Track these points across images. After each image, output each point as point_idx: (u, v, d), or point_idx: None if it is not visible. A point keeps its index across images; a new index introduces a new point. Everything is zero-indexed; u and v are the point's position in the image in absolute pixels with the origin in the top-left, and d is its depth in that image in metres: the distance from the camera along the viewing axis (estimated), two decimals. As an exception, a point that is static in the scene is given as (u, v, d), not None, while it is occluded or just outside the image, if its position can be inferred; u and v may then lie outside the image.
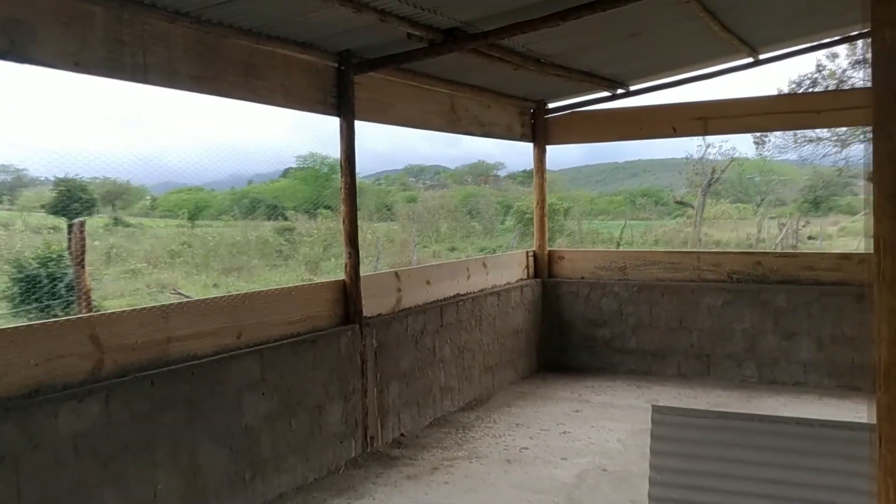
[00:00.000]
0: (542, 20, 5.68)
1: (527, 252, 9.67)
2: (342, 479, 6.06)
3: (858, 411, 7.49)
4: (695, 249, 12.25)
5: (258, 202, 28.97)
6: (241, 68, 5.45)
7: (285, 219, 27.37)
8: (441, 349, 7.65)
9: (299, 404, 5.88)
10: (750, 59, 8.54)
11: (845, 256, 8.57)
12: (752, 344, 8.69)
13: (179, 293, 15.68)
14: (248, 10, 5.00)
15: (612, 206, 49.60)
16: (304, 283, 6.45)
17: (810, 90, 25.94)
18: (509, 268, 9.23)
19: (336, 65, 6.26)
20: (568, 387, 8.75)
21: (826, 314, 8.34)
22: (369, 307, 6.68)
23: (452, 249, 27.95)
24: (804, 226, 33.45)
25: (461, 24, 5.95)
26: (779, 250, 10.60)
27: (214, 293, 17.10)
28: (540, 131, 9.57)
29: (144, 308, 4.98)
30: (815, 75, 28.18)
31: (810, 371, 8.43)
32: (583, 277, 9.55)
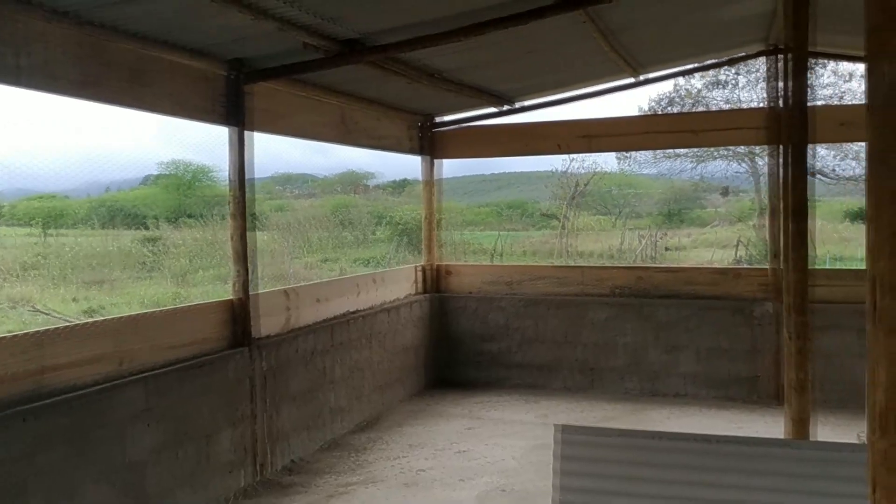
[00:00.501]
0: (446, 35, 5.58)
1: (416, 267, 9.54)
2: (233, 511, 5.71)
3: (737, 422, 7.78)
4: (579, 264, 12.52)
5: (117, 210, 27.45)
6: (127, 74, 5.05)
7: (146, 228, 26.07)
8: (332, 369, 7.39)
9: (186, 434, 5.49)
10: (631, 80, 8.77)
11: (722, 272, 8.93)
12: (634, 357, 8.89)
13: (37, 310, 14.58)
14: (137, 13, 4.63)
15: (481, 217, 50.30)
16: (190, 304, 6.05)
17: (667, 109, 27.25)
18: (399, 283, 9.07)
19: (227, 73, 5.93)
20: (458, 403, 8.67)
21: (704, 327, 8.64)
22: (258, 327, 6.35)
23: (325, 260, 27.47)
24: (662, 237, 35.02)
25: (361, 35, 5.76)
26: (661, 265, 11.03)
27: (75, 307, 15.98)
28: (429, 145, 9.48)
29: (15, 335, 4.50)
30: (673, 95, 29.63)
31: (690, 383, 8.71)
32: (471, 292, 9.51)
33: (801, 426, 4.96)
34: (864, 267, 1.80)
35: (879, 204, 1.67)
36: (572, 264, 12.73)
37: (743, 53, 8.83)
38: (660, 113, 23.42)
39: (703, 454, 5.23)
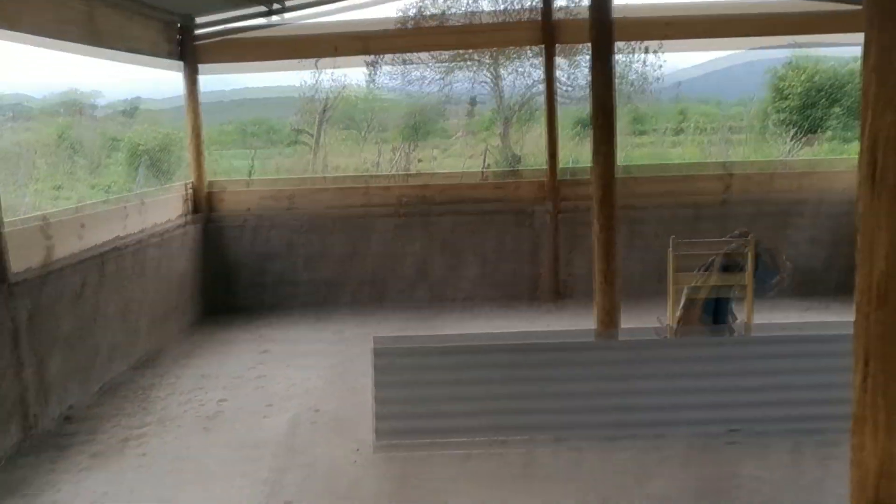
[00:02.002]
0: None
1: (185, 185, 8.71)
2: (8, 473, 4.93)
3: (523, 318, 8.02)
4: (362, 175, 12.17)
5: None
6: None
7: None
8: (105, 305, 6.58)
9: (-59, 393, 4.61)
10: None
11: (507, 176, 9.04)
12: (422, 268, 8.85)
13: None
14: None
15: (224, 136, 47.94)
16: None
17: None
18: (168, 205, 8.23)
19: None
20: (246, 329, 8.16)
21: (488, 233, 8.76)
22: (16, 262, 5.44)
23: (58, 188, 24.81)
24: (413, 150, 35.57)
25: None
26: (440, 173, 10.99)
27: None
28: (189, 53, 8.55)
29: None
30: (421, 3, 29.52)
31: (477, 287, 8.84)
32: (249, 209, 8.88)
33: (611, 316, 5.13)
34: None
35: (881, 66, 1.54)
36: (353, 175, 12.36)
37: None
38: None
39: (521, 357, 5.30)
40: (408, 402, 5.19)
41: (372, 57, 18.08)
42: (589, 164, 5.53)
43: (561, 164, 8.87)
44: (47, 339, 5.71)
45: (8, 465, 5.05)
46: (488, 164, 29.39)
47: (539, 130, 8.43)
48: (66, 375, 5.93)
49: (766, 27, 8.26)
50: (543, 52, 8.64)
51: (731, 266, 5.67)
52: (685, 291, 5.63)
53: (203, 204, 8.84)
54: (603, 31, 4.89)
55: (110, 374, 6.63)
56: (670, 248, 5.82)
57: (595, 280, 5.22)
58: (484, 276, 8.81)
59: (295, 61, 9.32)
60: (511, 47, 18.31)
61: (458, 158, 33.25)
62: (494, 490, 4.44)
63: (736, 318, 5.78)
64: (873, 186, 1.71)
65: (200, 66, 8.73)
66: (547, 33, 8.48)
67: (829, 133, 22.56)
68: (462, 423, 5.13)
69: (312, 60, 9.56)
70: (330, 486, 4.58)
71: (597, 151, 5.11)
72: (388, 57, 21.04)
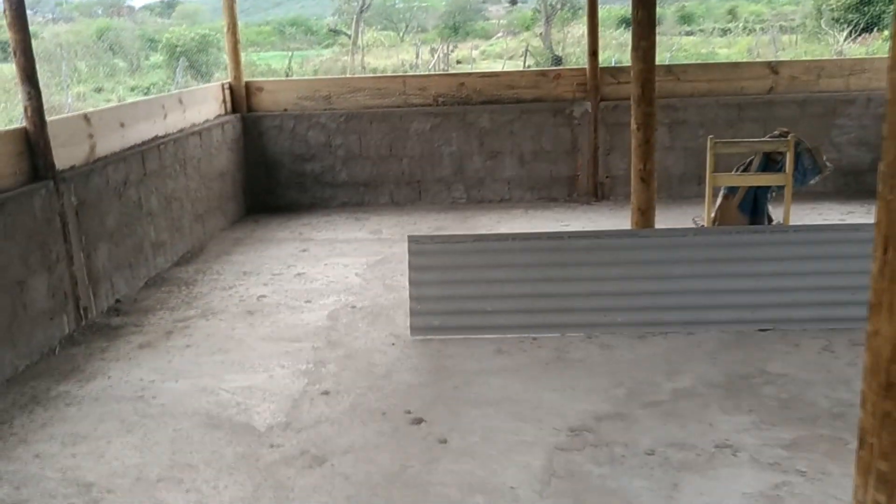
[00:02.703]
0: None
1: (222, 84, 8.74)
2: (62, 360, 5.18)
3: (562, 219, 8.04)
4: (399, 74, 12.05)
5: None
6: None
7: None
8: (148, 200, 6.74)
9: (-5, 283, 4.82)
10: None
11: (542, 74, 8.91)
12: (459, 166, 8.85)
13: None
14: None
15: (262, 36, 47.41)
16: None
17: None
18: (206, 103, 8.29)
19: None
20: (285, 227, 8.31)
21: (526, 131, 8.69)
22: (60, 159, 5.57)
23: (99, 90, 24.98)
24: (452, 50, 34.94)
25: None
26: (478, 71, 10.87)
27: None
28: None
29: None
30: None
31: (514, 187, 8.84)
32: (286, 110, 8.90)
33: (646, 216, 5.13)
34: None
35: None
36: (380, 76, 12.24)
37: None
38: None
39: (552, 250, 5.34)
40: (442, 297, 5.30)
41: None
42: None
43: (602, 63, 8.69)
44: (94, 233, 5.89)
45: (62, 352, 5.30)
46: (529, 66, 28.87)
47: (581, 30, 8.24)
48: (112, 269, 6.14)
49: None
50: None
51: (770, 166, 5.59)
52: (722, 190, 5.58)
53: (242, 103, 8.87)
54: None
55: (155, 269, 6.84)
56: (708, 148, 5.74)
57: (633, 179, 5.19)
58: (521, 175, 8.79)
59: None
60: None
61: (497, 60, 32.67)
62: (524, 380, 4.57)
63: (773, 220, 5.73)
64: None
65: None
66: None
67: (885, 32, 21.62)
68: (495, 320, 5.24)
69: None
70: (366, 376, 4.74)
71: (636, 47, 5.00)
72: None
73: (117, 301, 6.17)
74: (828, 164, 5.96)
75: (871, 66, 8.54)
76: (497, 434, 3.99)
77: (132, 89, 25.15)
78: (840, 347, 4.82)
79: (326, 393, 4.54)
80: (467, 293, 5.29)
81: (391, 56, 34.57)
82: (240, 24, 8.88)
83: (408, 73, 12.14)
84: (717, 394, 4.34)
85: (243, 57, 8.89)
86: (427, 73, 13.03)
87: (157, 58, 31.48)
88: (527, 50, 31.21)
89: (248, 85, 8.93)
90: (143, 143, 6.85)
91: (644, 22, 4.76)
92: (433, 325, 5.28)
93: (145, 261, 6.68)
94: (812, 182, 5.72)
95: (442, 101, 8.79)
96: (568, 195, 8.77)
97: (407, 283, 5.35)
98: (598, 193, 8.68)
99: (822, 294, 5.02)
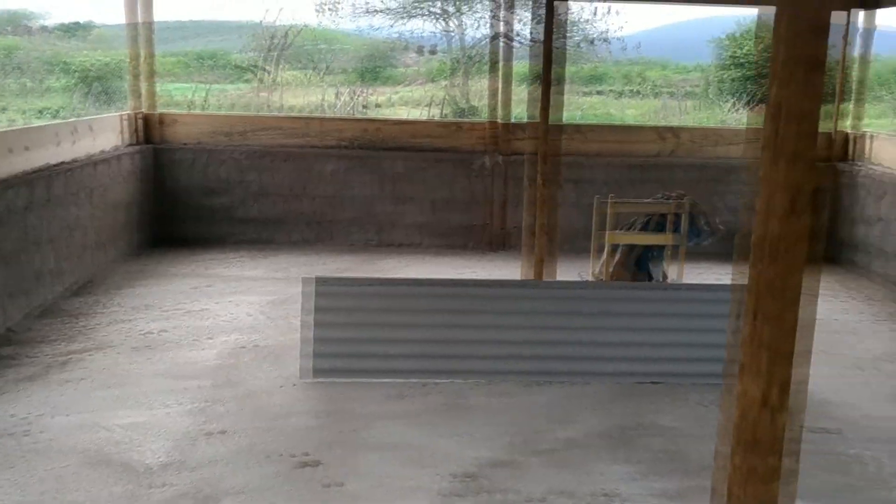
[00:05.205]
0: None
1: (135, 114, 8.61)
2: (-57, 391, 4.96)
3: (464, 266, 8.18)
4: (316, 115, 12.12)
5: None
6: None
7: None
8: (37, 229, 6.49)
9: None
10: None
11: (457, 125, 9.13)
12: (364, 210, 8.93)
13: None
14: None
15: (167, 67, 46.66)
16: None
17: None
18: (116, 131, 8.15)
19: None
20: (191, 261, 8.19)
21: (437, 179, 8.87)
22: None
23: (3, 110, 24.06)
24: (361, 95, 35.19)
25: None
26: (394, 118, 11.18)
27: None
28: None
29: None
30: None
31: (424, 233, 8.97)
32: (199, 142, 8.83)
33: (547, 268, 5.31)
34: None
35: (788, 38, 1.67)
36: (297, 115, 12.31)
37: None
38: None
39: (455, 297, 5.46)
40: (345, 339, 5.32)
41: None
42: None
43: (516, 117, 8.99)
44: (-13, 259, 5.69)
45: (-58, 381, 5.07)
46: (446, 114, 29.33)
47: (494, 84, 8.59)
48: (6, 297, 5.92)
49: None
50: (503, 3, 8.70)
51: (663, 226, 5.88)
52: (620, 248, 5.83)
53: (154, 133, 8.76)
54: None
55: (51, 298, 6.62)
56: (595, 206, 6.02)
57: (524, 233, 5.38)
58: (432, 221, 8.94)
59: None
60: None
61: (414, 106, 33.04)
62: (423, 425, 4.63)
63: (667, 277, 6.01)
64: (774, 151, 1.87)
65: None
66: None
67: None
68: (397, 364, 5.30)
69: None
70: (264, 416, 4.71)
71: (543, 105, 5.23)
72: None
73: (9, 330, 5.94)
74: (720, 226, 6.31)
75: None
76: (392, 479, 4.03)
77: (40, 111, 24.32)
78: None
79: (222, 432, 4.48)
80: (370, 336, 5.34)
81: (310, 95, 34.51)
82: (158, 52, 8.81)
83: (325, 115, 12.23)
84: (608, 444, 4.49)
85: (162, 87, 8.82)
86: (343, 116, 13.16)
87: (67, 81, 30.62)
88: (444, 99, 31.72)
89: (161, 116, 8.83)
90: (47, 167, 6.68)
91: (549, 81, 4.99)
92: (335, 367, 5.29)
93: (32, 290, 6.45)
94: (705, 243, 6.04)
95: (356, 145, 8.90)
96: (476, 243, 8.96)
97: (309, 322, 5.35)
98: (504, 243, 8.89)
99: (710, 350, 5.25)
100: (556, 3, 4.86)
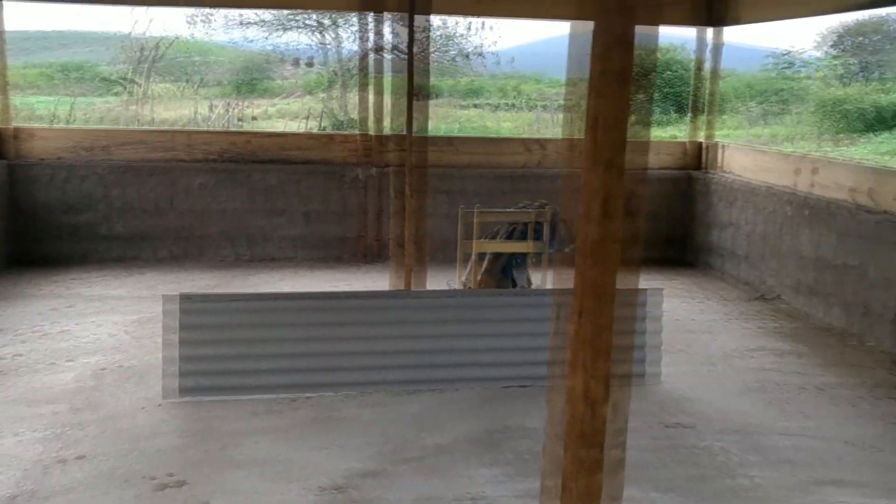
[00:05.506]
0: None
1: (-15, 128, 8.18)
2: None
3: (344, 279, 8.18)
4: (185, 128, 11.82)
5: None
6: None
7: None
8: None
9: None
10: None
11: (330, 137, 9.11)
12: (234, 224, 8.78)
13: None
14: None
15: (41, 79, 44.51)
16: None
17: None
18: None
19: None
20: (50, 281, 7.82)
21: (312, 191, 8.82)
22: None
23: None
24: (236, 108, 34.56)
25: None
26: (266, 130, 11.07)
27: None
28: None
29: None
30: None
31: (290, 246, 8.90)
32: (60, 158, 8.46)
33: (415, 277, 5.38)
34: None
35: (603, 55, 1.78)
36: (163, 129, 11.99)
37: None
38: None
39: (323, 310, 5.46)
40: (212, 356, 5.22)
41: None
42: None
43: (393, 129, 9.06)
44: None
45: None
46: (324, 127, 29.18)
47: (366, 97, 8.63)
48: None
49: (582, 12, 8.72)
50: (372, 18, 8.74)
51: (525, 234, 6.07)
52: (487, 256, 5.98)
53: (9, 148, 8.33)
54: (417, 2, 5.07)
55: None
56: (460, 216, 6.16)
57: (392, 244, 5.45)
58: (307, 234, 8.88)
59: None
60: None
61: (292, 119, 32.66)
62: (293, 439, 4.60)
63: (531, 283, 6.20)
64: (593, 160, 1.98)
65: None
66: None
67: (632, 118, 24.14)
68: (267, 380, 5.24)
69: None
70: (128, 438, 4.56)
71: (414, 117, 5.32)
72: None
73: None
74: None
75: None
76: (260, 495, 3.98)
77: None
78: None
79: (80, 458, 4.31)
80: (238, 353, 5.26)
81: (183, 108, 33.58)
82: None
83: (195, 129, 11.95)
84: (476, 448, 4.59)
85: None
86: (214, 129, 12.92)
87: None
88: (322, 112, 31.54)
89: (16, 130, 8.42)
90: None
91: (420, 93, 5.08)
92: (202, 385, 5.18)
93: None
94: (566, 250, 6.25)
95: (228, 158, 8.74)
96: (351, 255, 8.95)
97: (174, 341, 5.22)
98: (380, 254, 8.93)
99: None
100: (416, 15, 4.96)
